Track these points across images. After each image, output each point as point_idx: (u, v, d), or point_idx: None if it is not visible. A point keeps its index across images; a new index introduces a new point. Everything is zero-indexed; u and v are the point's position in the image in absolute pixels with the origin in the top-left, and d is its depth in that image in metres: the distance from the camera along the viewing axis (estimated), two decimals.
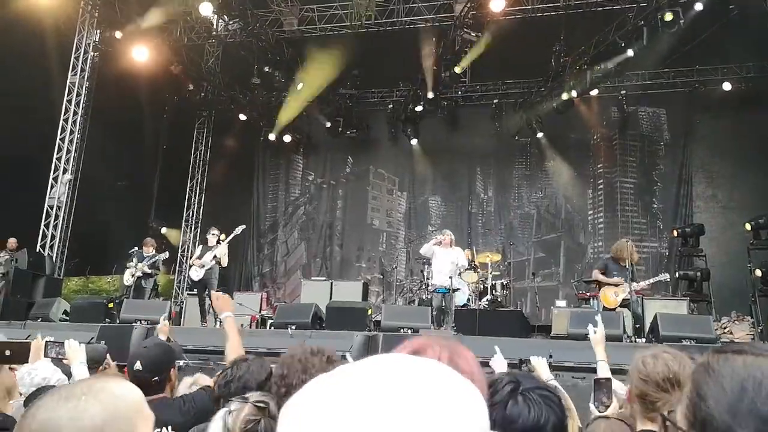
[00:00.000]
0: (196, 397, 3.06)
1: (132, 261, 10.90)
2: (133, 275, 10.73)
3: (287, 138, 16.17)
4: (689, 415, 0.96)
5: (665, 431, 1.84)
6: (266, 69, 13.50)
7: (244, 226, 11.53)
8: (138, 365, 3.01)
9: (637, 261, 9.61)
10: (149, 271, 11.00)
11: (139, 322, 8.47)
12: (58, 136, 12.87)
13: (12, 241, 11.38)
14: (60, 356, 3.41)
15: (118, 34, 12.95)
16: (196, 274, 10.34)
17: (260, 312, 12.28)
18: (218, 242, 10.46)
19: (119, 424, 1.05)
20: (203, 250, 10.53)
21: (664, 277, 9.41)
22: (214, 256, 10.27)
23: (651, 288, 9.71)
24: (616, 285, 8.81)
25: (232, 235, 10.87)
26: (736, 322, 10.89)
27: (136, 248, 11.30)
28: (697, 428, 0.94)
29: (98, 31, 13.67)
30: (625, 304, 8.74)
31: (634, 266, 9.14)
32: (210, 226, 11.08)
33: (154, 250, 11.25)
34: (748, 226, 11.60)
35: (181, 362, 6.57)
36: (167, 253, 11.69)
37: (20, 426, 1.05)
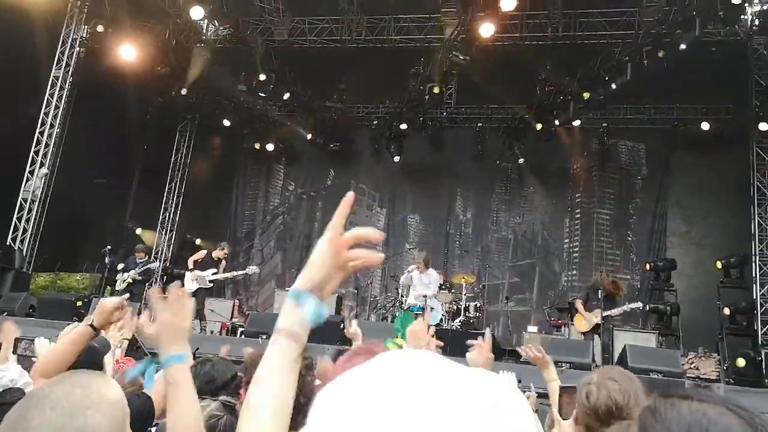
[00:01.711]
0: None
1: (120, 266, 11.06)
2: (124, 281, 10.83)
3: (270, 146, 16.11)
4: None
5: None
6: (254, 77, 13.47)
7: (257, 270, 11.98)
8: None
9: (616, 289, 9.75)
10: (140, 278, 10.98)
11: None
12: (38, 129, 12.70)
13: None
14: (29, 353, 3.33)
15: (99, 27, 12.86)
16: (190, 285, 10.20)
17: (231, 319, 12.16)
18: (220, 260, 10.46)
19: (119, 430, 1.13)
20: (207, 257, 10.49)
21: (636, 306, 9.57)
22: (215, 280, 10.32)
23: (622, 317, 9.85)
24: (590, 313, 9.01)
25: (241, 273, 11.35)
26: (702, 358, 11.03)
27: (109, 248, 11.23)
28: None
29: (86, 26, 13.58)
30: (596, 330, 8.95)
31: (620, 294, 9.51)
32: (222, 242, 11.09)
33: (145, 257, 11.28)
34: (719, 265, 11.82)
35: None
36: (157, 263, 11.72)
37: None
